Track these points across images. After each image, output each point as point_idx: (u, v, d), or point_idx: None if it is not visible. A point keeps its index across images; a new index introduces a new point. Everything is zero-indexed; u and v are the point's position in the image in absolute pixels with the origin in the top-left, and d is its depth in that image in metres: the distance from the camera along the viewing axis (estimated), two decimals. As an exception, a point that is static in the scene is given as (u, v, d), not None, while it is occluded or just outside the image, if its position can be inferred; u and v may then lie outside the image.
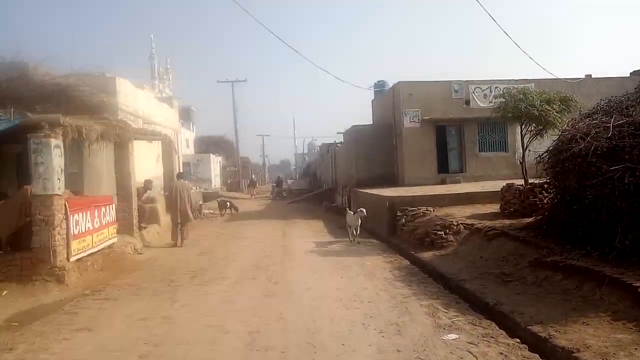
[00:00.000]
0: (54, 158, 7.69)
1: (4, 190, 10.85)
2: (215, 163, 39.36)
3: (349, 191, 19.43)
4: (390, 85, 21.32)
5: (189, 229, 12.82)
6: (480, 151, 18.98)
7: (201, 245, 11.95)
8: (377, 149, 19.72)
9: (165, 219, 14.14)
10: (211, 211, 20.79)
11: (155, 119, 22.32)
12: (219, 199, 23.06)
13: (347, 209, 11.78)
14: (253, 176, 49.18)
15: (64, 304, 6.76)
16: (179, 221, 12.23)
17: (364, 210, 11.00)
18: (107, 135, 10.10)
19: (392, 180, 19.14)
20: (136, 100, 19.83)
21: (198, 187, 29.35)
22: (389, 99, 19.98)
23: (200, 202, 20.35)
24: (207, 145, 51.62)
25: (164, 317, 5.96)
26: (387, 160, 19.60)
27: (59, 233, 7.71)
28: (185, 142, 35.34)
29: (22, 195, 7.91)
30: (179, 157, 22.70)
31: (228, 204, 20.66)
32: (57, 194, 7.73)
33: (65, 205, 7.96)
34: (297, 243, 11.80)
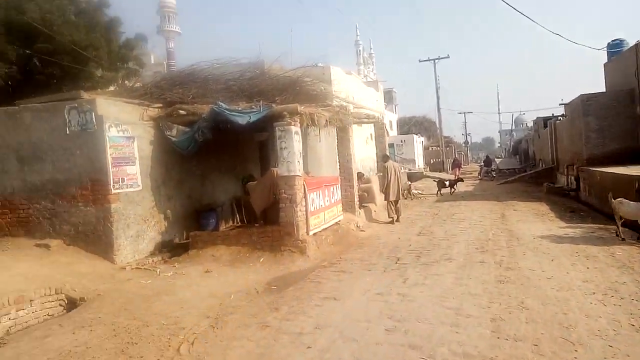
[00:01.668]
0: (294, 143, 8.65)
1: (250, 172, 12.78)
2: (418, 143, 39.34)
3: (577, 170, 17.07)
4: (632, 43, 17.79)
5: (401, 206, 13.31)
6: None
7: (418, 225, 12.05)
8: (613, 120, 16.76)
9: (380, 198, 14.73)
10: (419, 191, 20.84)
11: (363, 103, 23.36)
12: (436, 179, 23.23)
13: (619, 197, 9.44)
14: (456, 155, 47.56)
15: (308, 273, 7.57)
16: (393, 199, 12.72)
17: None
18: (332, 120, 10.89)
19: (635, 156, 16.08)
20: (347, 86, 21.03)
21: (402, 168, 29.80)
22: (631, 59, 16.69)
23: (409, 183, 20.56)
24: (409, 125, 52.12)
25: (399, 294, 6.14)
26: (627, 133, 16.49)
27: (300, 210, 8.67)
28: (389, 124, 36.17)
29: (270, 176, 9.12)
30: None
31: (447, 183, 20.51)
32: (297, 175, 8.69)
33: (304, 185, 8.89)
34: (522, 227, 10.89)
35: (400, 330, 4.91)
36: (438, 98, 42.53)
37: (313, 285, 6.83)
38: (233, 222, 11.43)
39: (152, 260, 8.36)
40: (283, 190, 8.66)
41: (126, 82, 17.53)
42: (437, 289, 6.32)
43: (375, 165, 19.97)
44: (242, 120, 8.84)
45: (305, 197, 8.90)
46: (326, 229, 9.84)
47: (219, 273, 7.69)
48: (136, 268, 7.90)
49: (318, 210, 9.52)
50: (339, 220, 10.83)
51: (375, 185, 15.10)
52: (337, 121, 11.62)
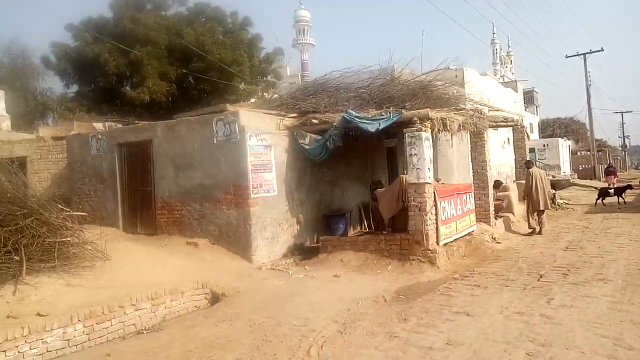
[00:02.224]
0: (425, 149, 8.40)
1: (379, 178, 12.77)
2: (564, 147, 35.53)
3: None
4: None
5: (546, 218, 12.19)
6: None
7: (564, 239, 10.84)
8: None
9: (519, 208, 13.63)
10: (565, 201, 18.78)
11: (500, 105, 21.89)
12: (599, 187, 20.89)
13: None
14: (611, 161, 41.96)
15: (438, 285, 7.25)
16: (540, 208, 11.68)
17: None
18: (465, 125, 10.36)
19: None
20: (482, 88, 19.91)
21: (546, 175, 27.20)
22: None
23: (554, 192, 18.65)
24: (553, 128, 47.45)
25: (542, 315, 5.55)
26: None
27: (429, 218, 8.38)
28: (529, 127, 33.37)
29: (398, 183, 8.98)
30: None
31: (611, 191, 18.14)
32: (427, 182, 8.42)
33: (434, 192, 8.59)
34: (701, 246, 9.14)
35: (545, 357, 4.42)
36: (589, 97, 37.91)
37: (443, 298, 6.52)
38: (361, 228, 11.51)
39: (285, 262, 8.79)
40: (412, 198, 8.45)
41: (265, 94, 18.92)
42: (589, 313, 5.58)
43: (513, 171, 18.53)
44: (372, 127, 8.88)
45: (435, 205, 8.58)
46: (458, 239, 9.37)
47: (347, 278, 7.78)
48: (271, 269, 8.39)
49: (449, 219, 9.10)
50: (472, 231, 10.24)
51: (514, 194, 13.99)
52: (471, 125, 11.01)
